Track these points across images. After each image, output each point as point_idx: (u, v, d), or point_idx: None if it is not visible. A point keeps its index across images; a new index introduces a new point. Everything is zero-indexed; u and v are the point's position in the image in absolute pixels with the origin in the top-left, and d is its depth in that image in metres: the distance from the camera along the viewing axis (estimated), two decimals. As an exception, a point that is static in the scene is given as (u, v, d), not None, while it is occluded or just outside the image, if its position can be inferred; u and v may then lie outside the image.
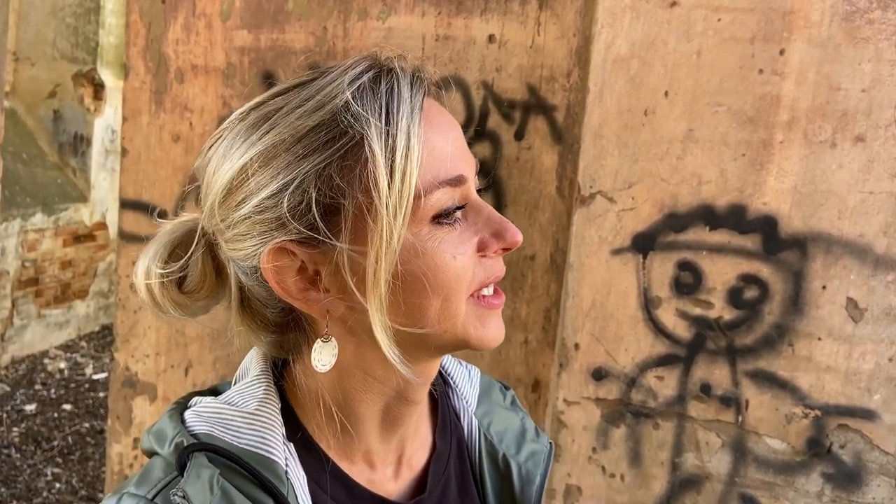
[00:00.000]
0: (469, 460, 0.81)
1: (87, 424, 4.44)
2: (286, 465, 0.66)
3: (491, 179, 1.82)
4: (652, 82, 1.49)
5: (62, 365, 5.30)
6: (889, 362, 1.40)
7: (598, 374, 1.57)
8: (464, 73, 1.79)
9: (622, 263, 1.54)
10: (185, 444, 0.64)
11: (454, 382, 0.83)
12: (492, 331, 0.67)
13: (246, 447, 0.66)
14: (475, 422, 0.82)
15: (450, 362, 0.85)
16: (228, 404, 0.69)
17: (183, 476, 0.62)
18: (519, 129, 1.79)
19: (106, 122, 5.80)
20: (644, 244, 1.52)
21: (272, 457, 0.66)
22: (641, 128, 1.51)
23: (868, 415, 1.42)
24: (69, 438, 4.26)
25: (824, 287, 1.42)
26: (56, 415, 4.52)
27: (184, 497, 0.60)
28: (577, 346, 1.59)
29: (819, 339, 1.43)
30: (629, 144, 1.52)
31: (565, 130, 1.75)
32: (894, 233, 1.38)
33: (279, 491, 0.64)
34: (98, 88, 5.71)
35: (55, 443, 4.19)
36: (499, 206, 1.81)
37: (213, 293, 0.72)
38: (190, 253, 0.70)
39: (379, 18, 1.82)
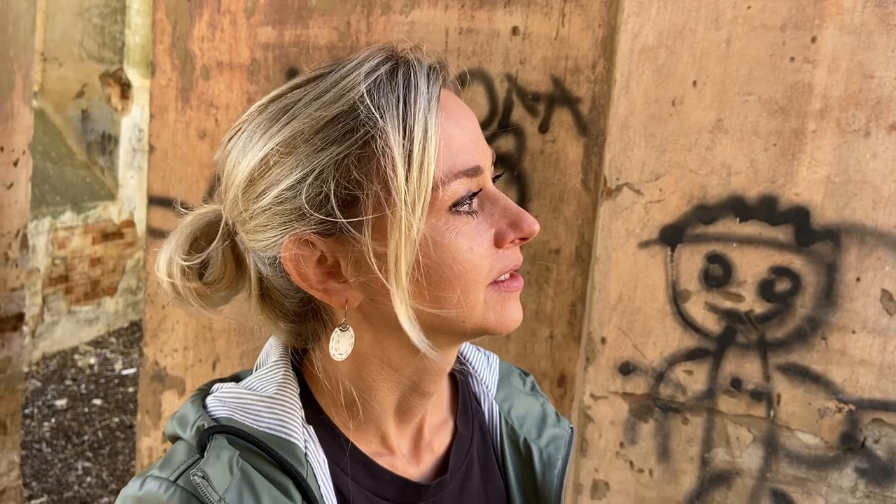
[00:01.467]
0: (491, 444, 0.82)
1: (116, 419, 4.50)
2: (305, 447, 0.67)
3: (515, 173, 1.81)
4: (680, 72, 1.47)
5: (92, 361, 5.38)
6: (926, 356, 1.37)
7: (626, 369, 1.56)
8: (487, 65, 1.78)
9: (650, 256, 1.52)
10: (206, 427, 0.66)
11: (473, 369, 0.84)
12: (510, 314, 0.68)
13: (266, 430, 0.66)
14: (496, 406, 0.83)
15: (468, 349, 0.85)
16: (248, 389, 0.70)
17: (203, 458, 0.63)
18: (543, 121, 1.78)
19: (133, 121, 5.87)
20: (672, 236, 1.50)
21: (291, 439, 0.66)
22: (669, 118, 1.48)
23: (904, 409, 1.39)
24: (99, 433, 4.33)
25: (858, 279, 1.39)
26: (86, 410, 4.60)
27: (203, 477, 0.61)
28: (603, 341, 1.57)
29: (853, 332, 1.40)
30: (656, 135, 1.50)
31: (590, 122, 1.74)
32: (931, 223, 1.35)
33: (298, 472, 0.65)
34: (125, 88, 5.78)
35: (85, 437, 4.26)
36: (523, 199, 1.80)
37: (234, 283, 0.73)
38: (212, 244, 0.71)
39: (402, 12, 1.81)
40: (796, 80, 1.39)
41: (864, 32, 1.36)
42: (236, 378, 0.76)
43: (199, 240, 0.71)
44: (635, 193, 1.53)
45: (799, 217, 1.41)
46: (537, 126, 1.78)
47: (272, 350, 0.74)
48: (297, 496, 0.64)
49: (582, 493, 1.61)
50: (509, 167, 1.80)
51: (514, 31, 1.75)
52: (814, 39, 1.38)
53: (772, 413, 1.46)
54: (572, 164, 1.76)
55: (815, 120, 1.39)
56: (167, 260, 0.71)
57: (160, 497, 0.61)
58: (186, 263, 0.70)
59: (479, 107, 1.80)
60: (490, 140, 1.83)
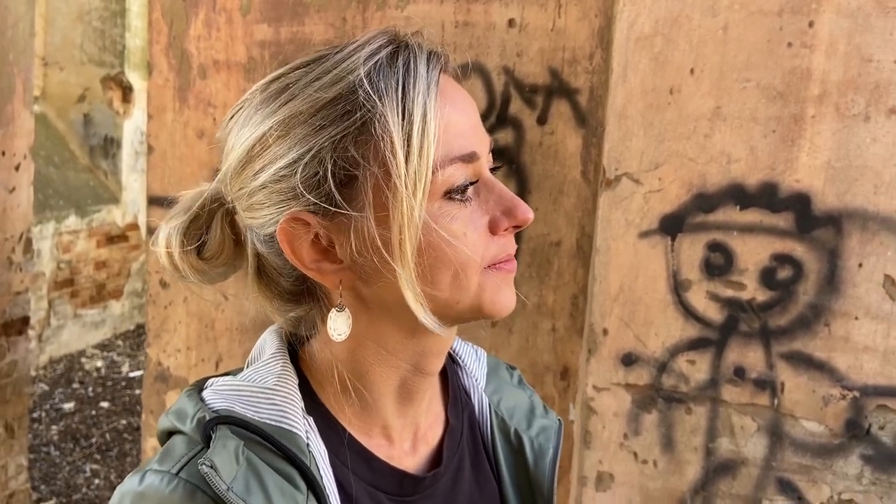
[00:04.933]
0: (481, 436, 0.82)
1: (123, 421, 4.52)
2: (307, 437, 0.67)
3: (514, 166, 1.80)
4: (677, 60, 1.46)
5: (99, 364, 5.40)
6: (930, 341, 1.36)
7: (628, 360, 1.55)
8: (484, 58, 1.77)
9: (650, 246, 1.52)
10: (209, 418, 0.65)
11: (462, 361, 0.84)
12: (504, 297, 0.68)
13: (267, 421, 0.66)
14: (485, 399, 0.83)
15: (457, 343, 0.85)
16: (247, 381, 0.70)
17: (209, 448, 0.63)
18: (541, 113, 1.77)
19: (135, 124, 5.88)
20: (672, 226, 1.49)
21: (293, 429, 0.66)
22: (667, 107, 1.48)
23: (909, 395, 1.38)
24: (107, 435, 4.34)
25: (861, 265, 1.38)
26: (94, 412, 4.61)
27: (211, 467, 0.60)
28: (605, 332, 1.56)
29: (856, 318, 1.39)
30: (655, 124, 1.49)
31: (589, 113, 1.73)
32: (933, 207, 1.34)
33: (303, 461, 0.64)
34: (126, 91, 5.80)
35: (93, 440, 4.28)
36: (523, 192, 1.79)
37: (231, 260, 0.73)
38: (208, 219, 0.71)
39: (398, 7, 1.81)
40: (794, 65, 1.38)
41: (862, 16, 1.35)
42: (228, 374, 0.76)
43: (199, 216, 0.71)
44: (634, 183, 1.52)
45: (800, 203, 1.40)
46: (535, 118, 1.78)
47: (266, 344, 0.74)
48: (303, 485, 0.64)
49: (586, 486, 1.60)
50: (508, 160, 1.79)
51: (511, 23, 1.75)
52: (811, 24, 1.37)
53: (776, 401, 1.45)
54: (571, 155, 1.75)
55: (814, 105, 1.38)
56: (166, 235, 0.71)
57: (162, 491, 0.61)
58: (185, 239, 0.70)
59: (477, 100, 1.78)
60: (489, 133, 1.83)
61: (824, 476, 1.44)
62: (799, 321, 1.42)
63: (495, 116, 1.80)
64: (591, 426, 1.59)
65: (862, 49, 1.35)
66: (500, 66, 1.77)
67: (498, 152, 1.82)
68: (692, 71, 1.45)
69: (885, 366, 1.38)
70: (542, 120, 1.77)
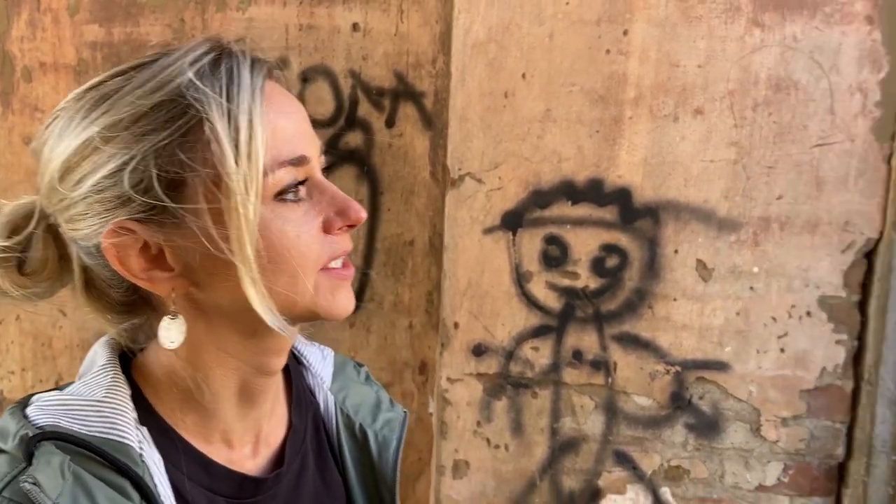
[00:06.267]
0: (326, 434, 0.84)
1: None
2: (140, 448, 0.66)
3: (365, 168, 1.83)
4: (510, 65, 1.54)
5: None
6: (736, 316, 1.53)
7: (478, 351, 1.62)
8: (330, 62, 1.79)
9: (494, 242, 1.60)
10: (32, 434, 0.63)
11: (307, 362, 0.86)
12: (341, 301, 0.70)
13: (96, 434, 0.65)
14: (331, 397, 0.85)
15: (302, 344, 0.87)
16: (74, 395, 0.68)
17: (31, 465, 0.61)
18: (389, 116, 1.81)
19: (-41, 129, 5.36)
20: (513, 222, 1.58)
21: (124, 440, 0.65)
22: (503, 109, 1.56)
23: (721, 366, 1.54)
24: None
25: (676, 251, 1.53)
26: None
27: (35, 483, 0.59)
28: (456, 325, 1.63)
29: (675, 299, 1.54)
30: (492, 126, 1.57)
31: (434, 116, 1.79)
32: (734, 197, 1.50)
33: (134, 472, 0.64)
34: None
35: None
36: (375, 193, 1.82)
37: (57, 275, 0.71)
38: (28, 233, 0.69)
39: (239, 9, 1.78)
40: (612, 70, 1.50)
41: (669, 25, 1.49)
42: (55, 390, 0.74)
43: (18, 230, 0.68)
44: (477, 182, 1.59)
45: (622, 197, 1.53)
46: (384, 121, 1.81)
47: (97, 356, 0.73)
48: (135, 495, 0.63)
49: (444, 475, 1.66)
50: (359, 162, 1.82)
51: (355, 27, 1.77)
52: (625, 32, 1.50)
53: (610, 380, 1.58)
54: (420, 156, 1.80)
55: (630, 107, 1.51)
56: None
57: None
58: (3, 255, 0.67)
59: (325, 103, 1.80)
60: (339, 136, 1.85)
61: (654, 446, 1.58)
62: (626, 305, 1.55)
63: (344, 119, 1.82)
64: (446, 417, 1.65)
65: (670, 55, 1.49)
66: (347, 69, 1.79)
67: (349, 155, 1.85)
68: (524, 76, 1.54)
69: (700, 341, 1.54)
70: (390, 122, 1.81)
